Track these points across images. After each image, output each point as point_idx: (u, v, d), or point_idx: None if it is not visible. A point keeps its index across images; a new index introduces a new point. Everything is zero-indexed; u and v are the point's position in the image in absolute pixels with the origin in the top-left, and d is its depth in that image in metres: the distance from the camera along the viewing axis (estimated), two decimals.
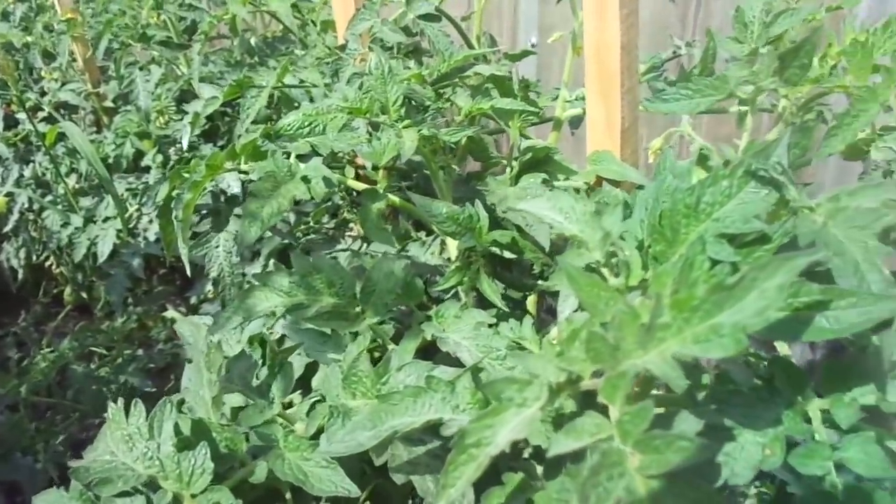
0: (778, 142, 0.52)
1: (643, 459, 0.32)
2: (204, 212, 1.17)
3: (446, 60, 0.93)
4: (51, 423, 2.10)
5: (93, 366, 2.32)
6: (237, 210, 1.16)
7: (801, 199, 0.49)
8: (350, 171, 0.93)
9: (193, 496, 0.55)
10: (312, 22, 1.59)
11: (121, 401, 0.61)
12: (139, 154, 2.27)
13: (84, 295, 2.76)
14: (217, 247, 1.13)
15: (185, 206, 0.97)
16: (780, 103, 0.95)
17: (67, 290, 2.82)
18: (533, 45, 2.54)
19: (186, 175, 1.01)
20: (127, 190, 2.27)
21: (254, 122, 1.38)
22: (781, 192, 0.50)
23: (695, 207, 0.52)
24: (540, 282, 0.91)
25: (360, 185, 0.94)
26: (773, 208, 0.52)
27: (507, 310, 0.85)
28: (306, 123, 0.80)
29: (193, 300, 2.06)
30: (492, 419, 0.39)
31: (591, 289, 0.43)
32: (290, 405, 0.81)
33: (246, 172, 0.99)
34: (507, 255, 0.93)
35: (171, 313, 2.29)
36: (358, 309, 0.81)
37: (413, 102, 0.87)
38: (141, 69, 1.78)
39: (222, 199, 1.19)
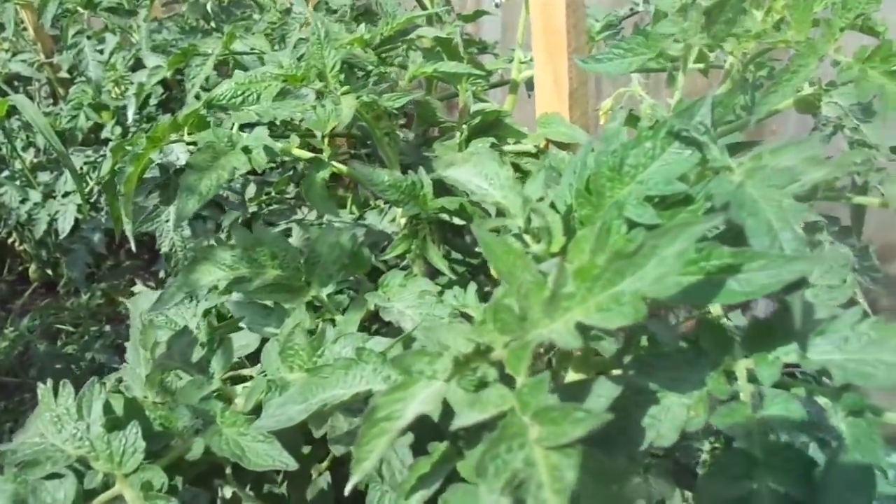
0: (702, 101, 0.51)
1: (541, 431, 0.32)
2: (152, 186, 1.14)
3: (389, 23, 0.91)
4: (19, 402, 2.08)
5: (59, 343, 2.29)
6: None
7: (723, 158, 0.49)
8: (295, 140, 0.91)
9: (126, 476, 0.54)
10: None
11: (49, 381, 0.60)
12: (98, 126, 2.21)
13: (49, 272, 2.72)
14: (167, 221, 1.11)
15: (128, 179, 0.94)
16: (727, 60, 0.94)
17: (32, 267, 2.77)
18: (497, 5, 2.50)
19: (129, 148, 0.99)
20: (86, 163, 2.22)
21: (206, 91, 1.35)
22: (703, 152, 0.49)
23: (619, 170, 0.51)
24: None
25: (305, 154, 0.92)
26: (698, 168, 0.51)
27: (455, 277, 0.85)
28: (239, 92, 0.78)
29: (162, 274, 2.03)
30: (402, 392, 0.38)
31: (507, 256, 0.43)
32: (240, 379, 0.81)
33: (194, 143, 0.96)
34: (458, 221, 0.92)
35: (138, 288, 2.26)
36: (303, 281, 0.80)
37: (354, 68, 0.85)
38: (90, 38, 1.72)
39: (171, 171, 1.16)
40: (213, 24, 2.03)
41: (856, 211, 1.24)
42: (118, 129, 2.17)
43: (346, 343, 0.61)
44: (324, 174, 0.86)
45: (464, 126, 0.95)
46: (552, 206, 0.55)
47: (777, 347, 0.51)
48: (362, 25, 1.23)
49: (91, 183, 2.21)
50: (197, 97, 1.19)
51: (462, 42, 1.37)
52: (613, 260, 0.34)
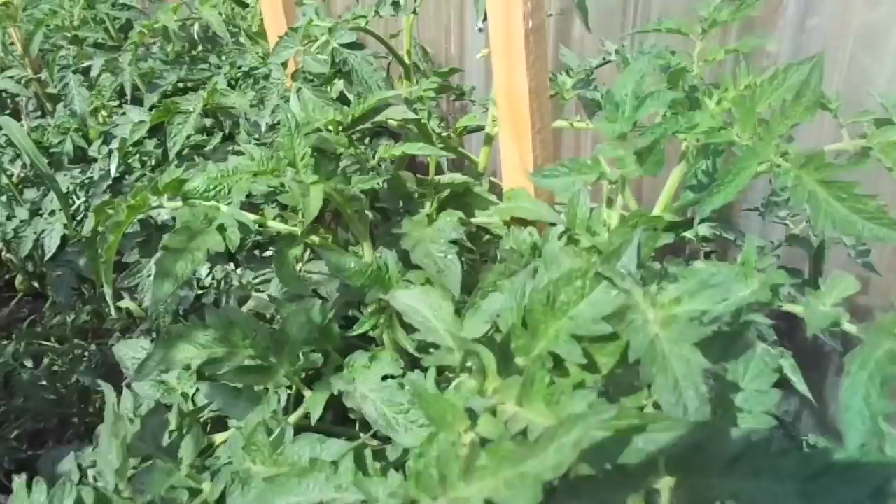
0: (627, 245, 0.55)
1: None
2: (134, 242, 1.18)
3: (360, 104, 0.95)
4: (4, 417, 2.11)
5: (46, 360, 2.32)
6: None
7: (643, 304, 0.53)
8: (271, 212, 0.95)
9: None
10: (245, 31, 1.57)
11: (23, 476, 0.65)
12: (85, 139, 2.22)
13: (36, 284, 2.75)
14: (148, 276, 1.15)
15: (108, 247, 0.98)
16: (682, 144, 0.99)
17: (19, 278, 2.80)
18: (480, 30, 2.54)
19: (110, 211, 1.03)
20: (72, 183, 2.24)
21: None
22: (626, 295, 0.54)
23: (551, 306, 0.56)
24: None
25: (280, 227, 0.97)
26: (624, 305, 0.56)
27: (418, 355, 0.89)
28: (212, 187, 0.82)
29: None
30: None
31: (437, 404, 0.47)
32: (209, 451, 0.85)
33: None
34: None
35: (125, 303, 2.29)
36: (272, 360, 0.84)
37: (325, 152, 0.89)
38: (75, 72, 1.75)
39: (152, 227, 1.20)
40: (200, 48, 2.06)
41: (814, 265, 1.30)
42: (105, 149, 2.19)
43: (303, 444, 0.65)
44: (296, 251, 0.90)
45: (433, 199, 1.00)
46: (495, 327, 0.60)
47: (696, 471, 0.55)
48: (339, 83, 1.28)
49: (77, 202, 2.24)
50: (179, 154, 1.24)
51: (439, 87, 1.41)
52: (520, 444, 0.38)
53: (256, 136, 1.38)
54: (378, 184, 0.90)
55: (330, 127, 0.93)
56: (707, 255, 1.49)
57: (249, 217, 0.94)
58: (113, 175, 1.43)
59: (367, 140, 1.17)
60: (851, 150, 0.96)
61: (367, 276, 0.83)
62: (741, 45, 0.93)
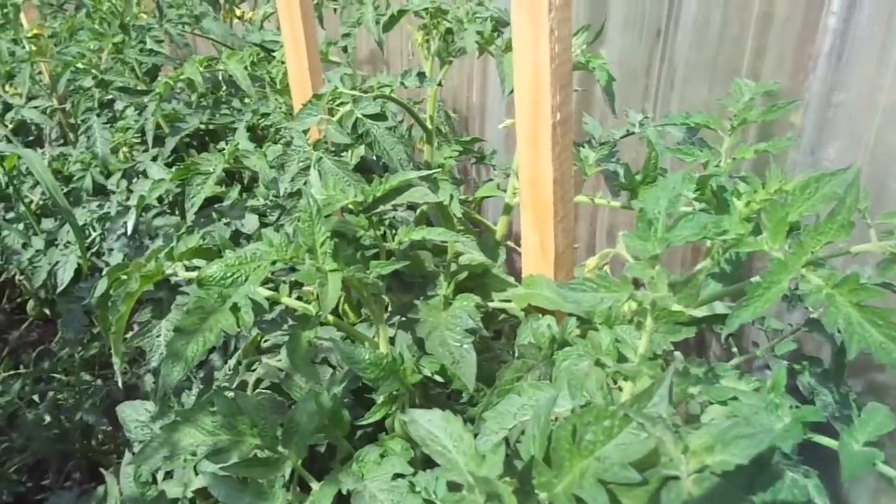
0: (660, 383, 0.53)
1: None
2: (145, 301, 1.17)
3: (382, 184, 0.94)
4: (6, 453, 2.09)
5: (51, 394, 2.30)
6: (179, 299, 1.16)
7: (675, 452, 0.51)
8: (285, 289, 0.94)
9: None
10: (270, 83, 1.58)
11: None
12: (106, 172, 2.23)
13: (47, 311, 2.74)
14: (158, 336, 1.13)
15: (119, 318, 0.97)
16: (707, 242, 0.97)
17: (30, 304, 2.80)
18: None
19: (123, 277, 1.02)
20: (89, 216, 2.25)
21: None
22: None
23: (577, 444, 0.54)
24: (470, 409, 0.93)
25: (297, 305, 0.95)
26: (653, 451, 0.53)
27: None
28: (229, 274, 0.81)
29: None
30: None
31: None
32: None
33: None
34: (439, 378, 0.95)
35: (132, 335, 2.26)
36: (280, 450, 0.82)
37: (345, 236, 0.88)
38: (99, 115, 1.76)
39: (164, 286, 1.19)
40: (224, 90, 2.08)
41: (836, 360, 1.27)
42: (124, 183, 2.20)
43: None
44: (310, 335, 0.88)
45: (449, 282, 0.98)
46: (515, 452, 0.58)
47: None
48: (360, 147, 1.27)
49: (94, 234, 2.24)
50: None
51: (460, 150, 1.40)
52: None
53: (275, 193, 1.38)
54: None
55: (350, 206, 0.92)
56: (718, 336, 1.46)
57: (264, 294, 0.92)
58: (130, 230, 1.42)
59: (385, 216, 1.16)
60: (879, 252, 0.94)
61: (381, 367, 0.81)
62: (772, 145, 0.92)
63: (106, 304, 1.07)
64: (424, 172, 0.95)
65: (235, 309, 0.88)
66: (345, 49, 1.54)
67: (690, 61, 2.04)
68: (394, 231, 0.94)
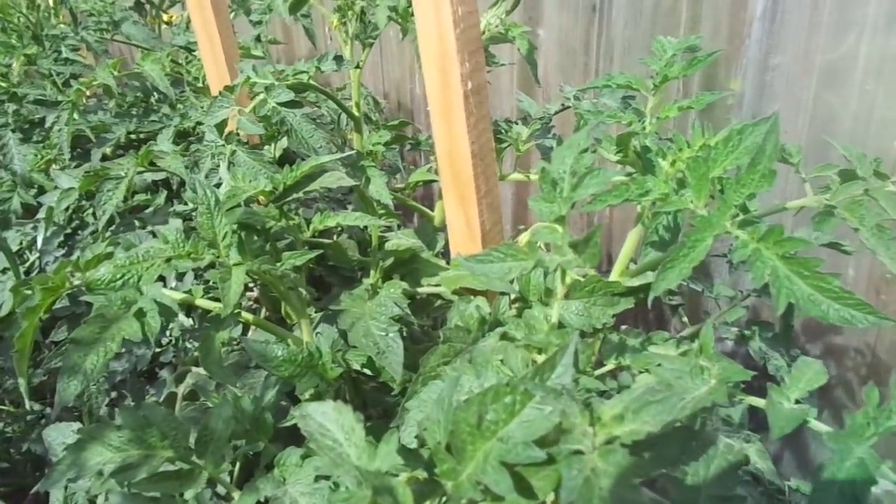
0: (562, 354, 0.49)
1: None
2: (61, 318, 1.10)
3: (293, 171, 0.88)
4: None
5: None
6: None
7: (581, 425, 0.46)
8: (199, 291, 0.88)
9: None
10: (190, 83, 1.51)
11: None
12: (40, 191, 2.15)
13: None
14: None
15: (21, 335, 0.90)
16: (637, 207, 0.93)
17: None
18: None
19: (27, 292, 0.95)
20: (23, 239, 2.15)
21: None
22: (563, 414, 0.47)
23: (478, 426, 0.49)
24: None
25: (211, 306, 0.89)
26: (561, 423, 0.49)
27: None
28: (119, 276, 0.75)
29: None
30: None
31: None
32: None
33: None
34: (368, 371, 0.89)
35: None
36: (194, 461, 0.76)
37: (252, 228, 0.82)
38: (14, 131, 1.67)
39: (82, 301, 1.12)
40: (154, 97, 2.00)
41: (784, 320, 1.24)
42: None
43: None
44: (223, 336, 0.83)
45: (375, 270, 0.93)
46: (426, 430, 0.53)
47: None
48: (284, 140, 1.21)
49: (32, 258, 2.15)
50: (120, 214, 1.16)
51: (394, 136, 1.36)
52: None
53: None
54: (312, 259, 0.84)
55: (261, 198, 0.87)
56: (675, 309, 1.44)
57: (174, 297, 0.86)
58: (40, 244, 1.34)
59: (302, 208, 1.10)
60: (815, 207, 0.91)
61: (297, 364, 0.76)
62: (696, 101, 0.88)
63: (13, 319, 1.00)
64: (339, 155, 0.89)
65: (140, 315, 0.82)
66: (258, 38, 1.48)
67: (627, 36, 2.02)
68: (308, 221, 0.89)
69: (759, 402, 0.62)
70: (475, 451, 0.49)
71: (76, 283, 0.93)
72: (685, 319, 1.44)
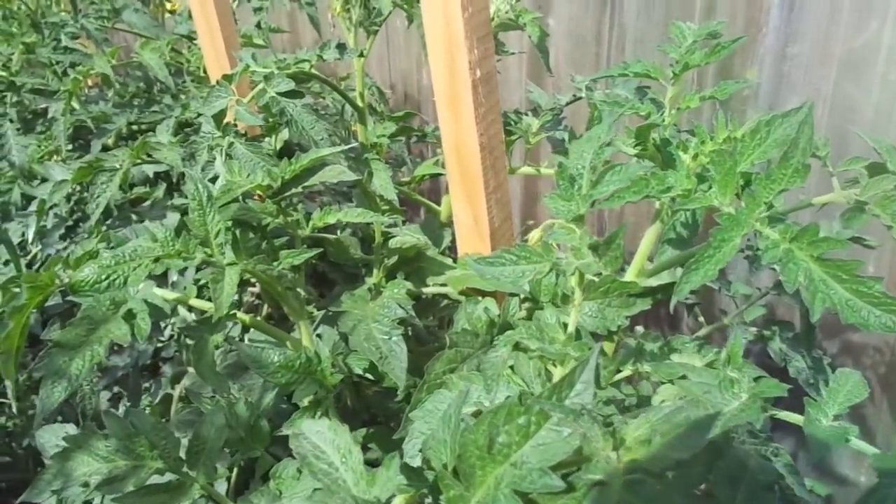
0: (582, 367, 0.44)
1: None
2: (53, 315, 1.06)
3: (292, 164, 0.84)
4: None
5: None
6: None
7: (604, 449, 0.42)
8: (192, 290, 0.83)
9: None
10: (190, 72, 1.46)
11: None
12: (43, 182, 2.12)
13: None
14: None
15: (7, 336, 0.86)
16: (656, 203, 0.88)
17: None
18: None
19: (15, 290, 0.91)
20: (24, 227, 2.12)
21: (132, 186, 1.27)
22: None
23: (488, 449, 0.44)
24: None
25: (204, 305, 0.85)
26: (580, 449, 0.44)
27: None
28: (104, 277, 0.70)
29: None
30: None
31: None
32: None
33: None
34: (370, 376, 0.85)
35: None
36: (185, 472, 0.72)
37: (247, 225, 0.78)
38: (13, 121, 1.63)
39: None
40: (157, 88, 1.96)
41: (806, 321, 1.19)
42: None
43: None
44: (217, 339, 0.78)
45: (378, 269, 0.88)
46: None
47: None
48: (285, 132, 1.16)
49: (34, 251, 2.11)
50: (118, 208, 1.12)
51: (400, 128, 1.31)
52: None
53: None
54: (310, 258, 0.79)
55: (259, 193, 0.82)
56: (689, 307, 1.38)
57: (167, 296, 0.82)
58: (31, 238, 1.30)
59: (304, 202, 1.06)
60: (842, 202, 0.86)
61: (294, 370, 0.71)
62: (718, 90, 0.83)
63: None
64: (340, 148, 0.84)
65: (130, 316, 0.77)
66: (258, 25, 1.43)
67: (640, 25, 1.95)
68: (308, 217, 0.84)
69: (795, 418, 0.57)
70: (485, 476, 0.45)
71: (64, 281, 0.89)
72: (701, 319, 1.39)
